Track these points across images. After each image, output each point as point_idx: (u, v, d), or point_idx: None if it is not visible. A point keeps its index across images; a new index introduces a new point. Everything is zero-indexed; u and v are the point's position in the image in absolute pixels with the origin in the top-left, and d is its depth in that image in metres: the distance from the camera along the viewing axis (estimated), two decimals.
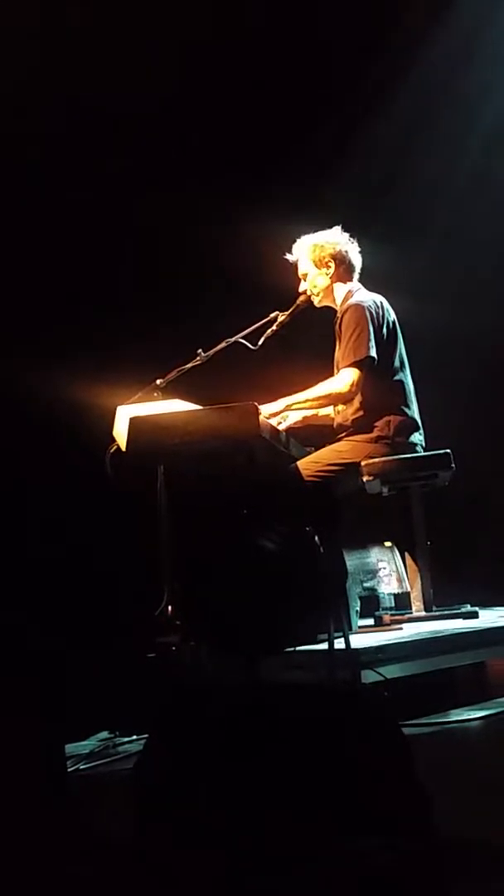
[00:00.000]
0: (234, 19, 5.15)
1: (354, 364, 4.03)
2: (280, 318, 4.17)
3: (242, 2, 5.18)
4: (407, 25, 5.31)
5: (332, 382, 4.08)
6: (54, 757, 2.90)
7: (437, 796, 1.99)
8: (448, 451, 4.02)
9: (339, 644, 3.24)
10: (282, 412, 4.07)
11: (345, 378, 4.04)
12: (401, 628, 3.93)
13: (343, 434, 4.17)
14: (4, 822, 2.44)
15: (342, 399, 4.11)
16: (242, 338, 4.10)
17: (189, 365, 4.02)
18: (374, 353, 4.04)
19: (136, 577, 4.16)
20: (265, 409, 3.98)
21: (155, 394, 3.92)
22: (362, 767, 2.00)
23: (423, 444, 4.18)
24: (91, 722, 3.75)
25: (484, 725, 3.33)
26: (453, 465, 4.01)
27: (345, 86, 5.33)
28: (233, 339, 4.09)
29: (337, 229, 4.33)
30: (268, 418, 3.96)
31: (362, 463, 3.99)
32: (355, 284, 4.31)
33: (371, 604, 4.36)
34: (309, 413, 4.23)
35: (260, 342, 4.12)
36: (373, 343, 4.05)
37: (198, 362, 4.04)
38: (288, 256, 4.33)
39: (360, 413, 4.13)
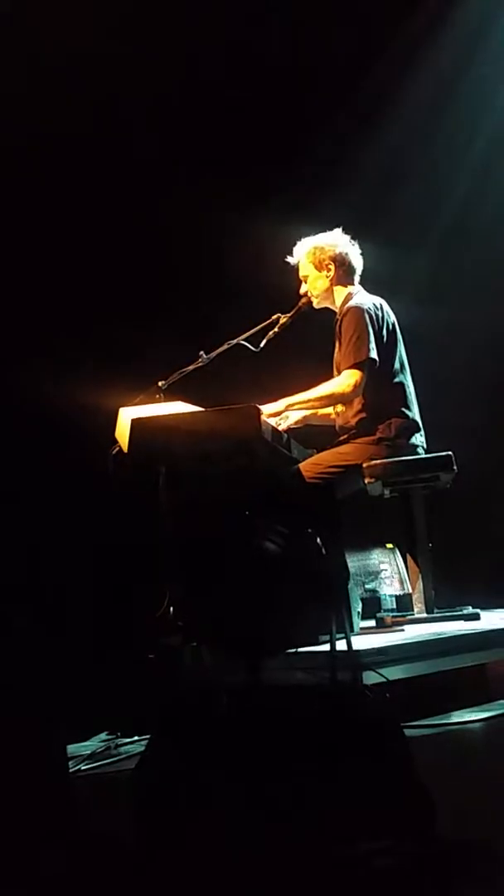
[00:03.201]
0: (238, 19, 5.16)
1: (356, 365, 4.04)
2: (282, 321, 4.18)
3: (248, 4, 5.19)
4: (410, 26, 5.32)
5: (334, 383, 4.08)
6: (55, 757, 2.90)
7: (438, 798, 1.99)
8: (450, 452, 4.02)
9: (341, 645, 3.23)
10: (283, 412, 4.07)
11: (347, 379, 4.04)
12: (402, 630, 3.93)
13: (344, 436, 4.18)
14: (5, 823, 2.44)
15: (344, 399, 4.12)
16: (244, 340, 4.11)
17: (191, 367, 4.03)
18: (374, 355, 4.05)
19: (139, 579, 4.16)
20: (266, 409, 3.99)
21: (157, 395, 3.93)
22: (364, 769, 2.00)
23: (425, 447, 4.19)
24: (93, 723, 3.76)
25: (485, 727, 3.33)
26: (455, 468, 4.01)
27: (348, 86, 5.34)
28: (234, 341, 4.10)
29: (338, 231, 4.33)
30: (269, 417, 3.97)
31: (364, 465, 3.99)
32: (355, 287, 4.31)
33: (372, 605, 4.36)
34: (308, 413, 4.23)
35: (262, 344, 4.13)
36: (373, 345, 4.05)
37: (200, 364, 4.04)
38: (289, 259, 4.33)
39: (362, 415, 4.13)
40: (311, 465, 4.06)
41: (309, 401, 4.10)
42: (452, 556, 4.45)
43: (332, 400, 4.14)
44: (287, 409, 4.08)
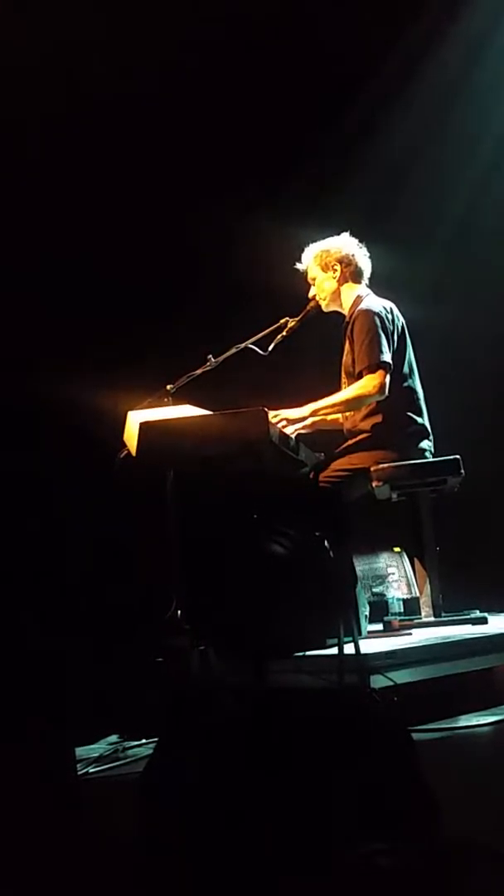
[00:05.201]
0: (242, 20, 5.16)
1: (374, 367, 4.02)
2: (290, 324, 4.17)
3: (251, 4, 5.19)
4: (417, 27, 5.32)
5: (358, 386, 4.05)
6: (63, 760, 2.91)
7: (444, 801, 2.00)
8: (457, 456, 4.02)
9: (349, 649, 3.24)
10: (308, 417, 4.06)
11: (371, 381, 4.02)
12: (410, 633, 3.93)
13: (353, 440, 4.18)
14: (14, 826, 2.45)
15: (371, 401, 4.07)
16: (253, 343, 4.11)
17: (199, 370, 4.03)
18: (388, 358, 4.04)
19: (146, 581, 4.17)
20: (291, 414, 3.99)
21: (165, 399, 3.93)
22: (371, 771, 2.01)
23: (433, 451, 4.18)
24: (100, 725, 3.76)
25: (492, 731, 3.33)
26: (462, 471, 4.01)
27: (354, 89, 5.34)
28: (243, 344, 4.09)
29: (345, 235, 4.34)
30: (294, 422, 3.97)
31: (372, 469, 3.99)
32: (364, 290, 4.31)
33: (380, 609, 4.37)
34: (318, 418, 4.23)
35: (270, 348, 4.12)
36: (386, 348, 4.05)
37: (208, 368, 4.04)
38: (297, 265, 4.33)
39: (370, 419, 4.13)
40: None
41: (335, 405, 4.08)
42: (460, 559, 4.45)
43: (358, 403, 4.10)
44: (313, 414, 4.06)
